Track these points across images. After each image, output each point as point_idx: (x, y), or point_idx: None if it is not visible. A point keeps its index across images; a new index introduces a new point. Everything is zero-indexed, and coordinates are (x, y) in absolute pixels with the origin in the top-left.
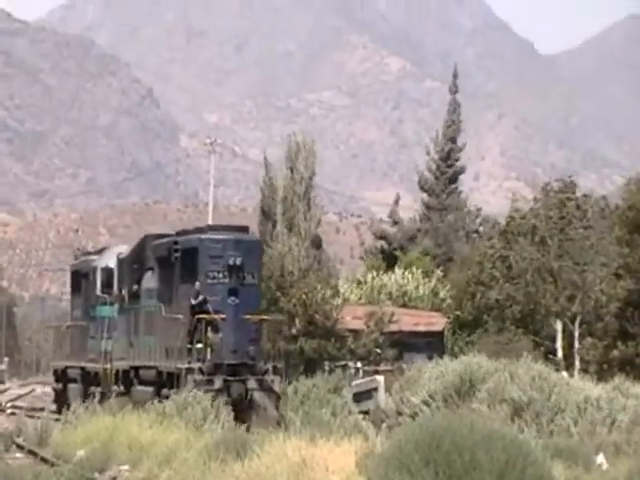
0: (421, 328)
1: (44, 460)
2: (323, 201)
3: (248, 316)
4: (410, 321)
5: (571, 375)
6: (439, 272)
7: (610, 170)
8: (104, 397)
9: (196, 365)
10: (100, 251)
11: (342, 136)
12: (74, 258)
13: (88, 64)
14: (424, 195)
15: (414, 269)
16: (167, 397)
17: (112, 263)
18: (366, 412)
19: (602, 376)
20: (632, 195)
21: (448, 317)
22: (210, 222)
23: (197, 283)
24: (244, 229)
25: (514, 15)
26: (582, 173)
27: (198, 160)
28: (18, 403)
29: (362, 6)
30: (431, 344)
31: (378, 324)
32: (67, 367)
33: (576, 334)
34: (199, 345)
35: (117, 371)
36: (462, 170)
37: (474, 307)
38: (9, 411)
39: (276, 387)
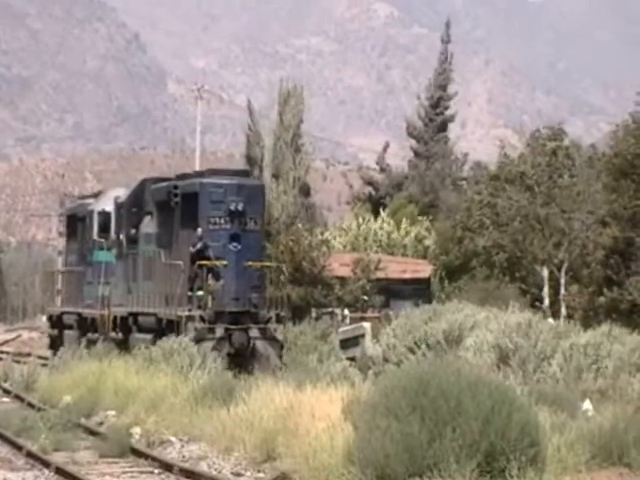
0: (408, 275)
1: (31, 405)
2: (310, 148)
3: (250, 263)
4: (397, 268)
5: (557, 323)
6: (423, 219)
7: (597, 117)
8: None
9: (197, 313)
10: (96, 194)
11: (329, 82)
12: (59, 204)
13: (75, 9)
14: (412, 142)
15: (399, 216)
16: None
17: (109, 207)
18: (353, 359)
19: (588, 323)
20: (618, 142)
21: (434, 264)
22: (197, 168)
23: (199, 229)
24: (246, 173)
25: None
26: (569, 120)
27: (185, 106)
28: (4, 348)
29: None
30: (418, 291)
31: (365, 271)
32: (63, 313)
33: (562, 281)
34: (200, 292)
35: (115, 317)
36: (451, 118)
37: (461, 253)
38: None
39: (279, 335)
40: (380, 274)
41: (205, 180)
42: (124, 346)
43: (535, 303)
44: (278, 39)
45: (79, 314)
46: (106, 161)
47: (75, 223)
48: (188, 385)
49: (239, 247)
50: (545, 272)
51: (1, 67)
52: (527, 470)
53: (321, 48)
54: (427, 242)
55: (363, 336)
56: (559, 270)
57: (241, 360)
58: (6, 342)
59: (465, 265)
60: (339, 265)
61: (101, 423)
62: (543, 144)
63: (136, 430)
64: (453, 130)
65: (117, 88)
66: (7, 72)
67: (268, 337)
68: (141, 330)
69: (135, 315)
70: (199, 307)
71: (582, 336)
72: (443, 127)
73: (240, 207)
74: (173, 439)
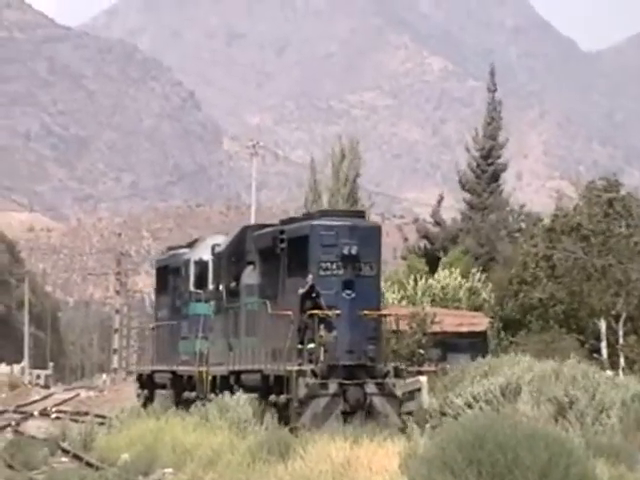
0: (464, 328)
1: (89, 464)
2: (367, 203)
3: (366, 312)
4: (453, 321)
5: (616, 374)
6: (476, 271)
7: None
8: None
9: (308, 367)
10: (192, 243)
11: (384, 137)
12: (116, 263)
13: (130, 69)
14: (466, 194)
15: (453, 269)
16: (275, 404)
17: (207, 256)
18: (410, 413)
19: None
20: None
21: (491, 317)
22: (252, 222)
23: (310, 275)
24: (360, 214)
25: (556, 13)
26: (626, 170)
27: (240, 163)
28: (63, 408)
29: (403, 6)
30: (474, 344)
31: (421, 325)
32: (154, 371)
33: (620, 332)
34: (311, 345)
35: (214, 377)
36: (504, 168)
37: (517, 307)
38: (54, 415)
39: (398, 391)
40: (436, 327)
41: (315, 222)
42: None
43: (593, 355)
44: (332, 95)
45: (173, 372)
46: (162, 219)
47: (167, 275)
48: (245, 441)
49: (353, 295)
50: (603, 323)
51: (59, 127)
52: None
53: (375, 103)
54: (483, 295)
55: (419, 390)
56: (617, 321)
57: (357, 418)
58: (64, 401)
59: (522, 319)
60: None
61: None
62: (598, 195)
63: None
64: (509, 182)
65: (173, 146)
66: (65, 132)
67: (386, 393)
68: (244, 389)
69: (237, 373)
70: (310, 361)
71: None
72: (495, 178)
73: (354, 251)
74: None
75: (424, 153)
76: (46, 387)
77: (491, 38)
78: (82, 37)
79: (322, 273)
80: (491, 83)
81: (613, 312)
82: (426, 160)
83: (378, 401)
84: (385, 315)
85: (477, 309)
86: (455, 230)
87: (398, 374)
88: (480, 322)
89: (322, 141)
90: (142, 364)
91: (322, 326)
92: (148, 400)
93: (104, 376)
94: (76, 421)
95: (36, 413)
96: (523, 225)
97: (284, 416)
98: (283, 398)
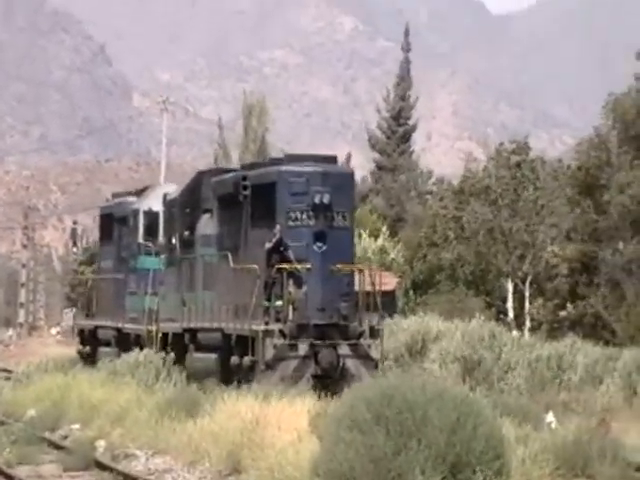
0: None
1: None
2: None
3: (339, 266)
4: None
5: (522, 335)
6: (385, 230)
7: (561, 130)
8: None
9: (276, 326)
10: (141, 191)
11: (295, 95)
12: (23, 216)
13: (40, 20)
14: (376, 155)
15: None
16: (238, 366)
17: (157, 206)
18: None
19: (552, 335)
20: (582, 156)
21: (399, 276)
22: (162, 181)
23: (277, 226)
24: (332, 159)
25: None
26: (533, 132)
27: (150, 119)
28: None
29: None
30: (382, 304)
31: None
32: (97, 327)
33: (527, 294)
34: (278, 302)
35: (165, 334)
36: (413, 129)
37: (426, 267)
38: None
39: (374, 353)
40: None
41: (284, 168)
42: (178, 367)
43: (500, 316)
44: (243, 52)
45: (119, 329)
46: (71, 173)
47: (112, 224)
48: (153, 398)
49: (325, 247)
50: (509, 285)
51: None
52: None
53: (286, 61)
54: (392, 254)
55: None
56: (523, 283)
57: (329, 382)
58: None
59: (430, 279)
60: None
61: (65, 436)
62: (507, 157)
63: (100, 443)
64: (418, 142)
65: (82, 100)
66: None
67: (361, 355)
68: (201, 349)
69: (193, 331)
70: (277, 320)
71: (546, 348)
72: (406, 139)
73: (326, 199)
74: (138, 452)
75: (335, 112)
76: None
77: None
78: None
79: (291, 224)
80: (405, 43)
81: (520, 274)
82: (337, 119)
83: (352, 364)
84: (361, 270)
85: (386, 268)
86: (365, 189)
87: (374, 334)
88: (389, 281)
89: (232, 99)
90: (83, 319)
91: (291, 281)
92: (89, 357)
93: (10, 330)
94: None
95: None
96: (433, 188)
97: (248, 380)
98: (247, 360)
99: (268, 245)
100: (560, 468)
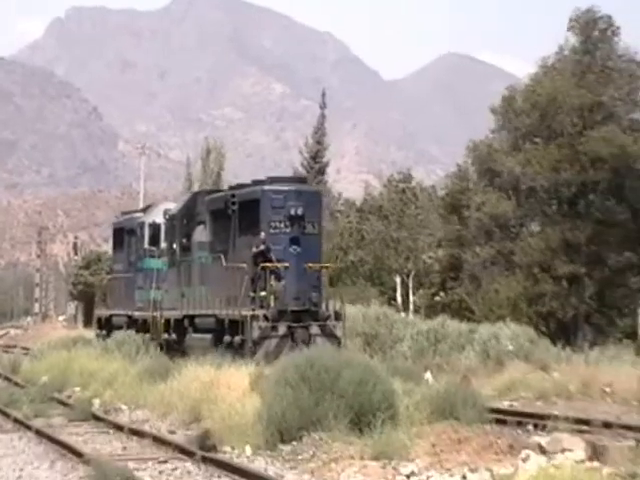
0: None
1: (16, 384)
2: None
3: (310, 264)
4: None
5: (407, 315)
6: None
7: (434, 165)
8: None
9: (260, 312)
10: (145, 209)
11: (239, 141)
12: (37, 233)
13: (49, 89)
14: None
15: None
16: (230, 343)
17: (159, 219)
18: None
19: (429, 316)
20: (449, 184)
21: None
22: (141, 206)
23: (262, 233)
24: (303, 180)
25: (364, 51)
26: (414, 167)
27: (132, 160)
28: None
29: (252, 44)
30: None
31: None
32: (112, 315)
33: (410, 286)
34: (263, 293)
35: (168, 320)
36: (327, 165)
37: (336, 267)
38: None
39: (338, 332)
40: None
41: (266, 187)
42: (177, 346)
43: (391, 302)
44: (200, 109)
45: (129, 316)
46: (72, 201)
47: (122, 235)
48: (135, 367)
49: (299, 250)
50: (398, 279)
51: None
52: (386, 424)
53: (232, 116)
54: None
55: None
56: (408, 277)
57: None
58: None
59: (339, 276)
60: None
61: (69, 396)
62: (396, 185)
63: (96, 401)
64: (330, 176)
65: (81, 147)
66: None
67: (327, 334)
68: (198, 331)
69: (191, 317)
70: (262, 307)
71: (424, 325)
72: (321, 172)
73: (299, 212)
74: (124, 407)
75: (269, 153)
76: None
77: (318, 69)
78: (11, 65)
79: (272, 231)
80: (321, 102)
81: (405, 271)
82: (271, 159)
83: (320, 340)
84: (326, 267)
85: None
86: None
87: (337, 317)
88: None
89: (193, 144)
90: (101, 310)
91: (272, 277)
92: (105, 339)
93: (28, 318)
94: (7, 352)
95: None
96: (342, 207)
97: (240, 354)
98: (238, 339)
99: (255, 250)
100: (434, 412)
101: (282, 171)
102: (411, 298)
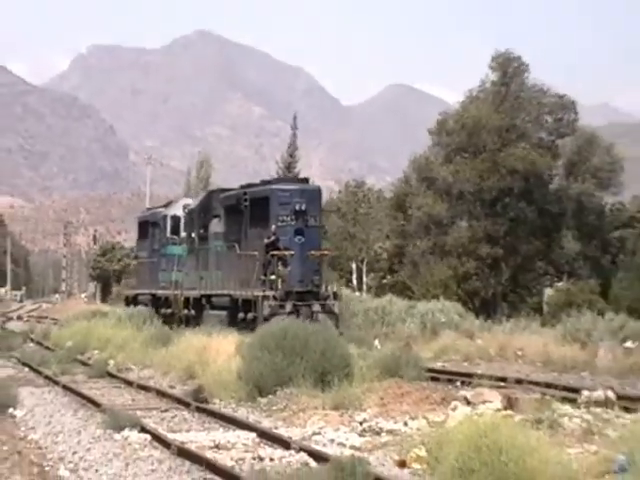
0: None
1: (47, 348)
2: None
3: (312, 252)
4: None
5: (361, 294)
6: None
7: (384, 174)
8: (173, 317)
9: (270, 293)
10: (167, 204)
11: (226, 154)
12: (64, 227)
13: (73, 111)
14: None
15: None
16: (244, 320)
17: (179, 212)
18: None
19: (378, 295)
20: (396, 188)
21: None
22: (147, 206)
23: (273, 226)
24: (306, 180)
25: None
26: (367, 176)
27: (140, 168)
28: (32, 314)
29: (237, 74)
30: None
31: None
32: (138, 294)
33: (364, 270)
34: (272, 277)
35: (187, 298)
36: (298, 174)
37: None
38: (25, 318)
39: (336, 309)
40: None
41: (275, 186)
42: (195, 321)
43: (348, 284)
44: (195, 128)
45: (153, 294)
46: (92, 201)
47: (146, 227)
48: (142, 334)
49: (303, 240)
50: (354, 265)
51: (29, 145)
52: (343, 381)
53: (221, 133)
54: None
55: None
56: (362, 264)
57: None
58: (32, 310)
59: None
60: None
61: (89, 358)
62: (353, 191)
63: (111, 362)
64: None
65: (99, 158)
66: (33, 148)
67: (327, 311)
68: (214, 308)
69: (208, 296)
70: (271, 288)
71: (375, 302)
72: None
73: (303, 207)
74: (133, 367)
75: (250, 164)
76: (21, 302)
77: (291, 96)
78: (44, 92)
79: (280, 224)
80: (293, 124)
81: (360, 258)
82: (251, 168)
83: (321, 317)
84: (326, 254)
85: None
86: None
87: (336, 297)
88: None
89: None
90: (128, 289)
91: (280, 263)
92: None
93: (57, 295)
94: (39, 322)
95: (15, 317)
96: None
97: (251, 328)
98: (251, 316)
99: (267, 240)
100: (382, 372)
101: (261, 179)
102: (364, 280)
